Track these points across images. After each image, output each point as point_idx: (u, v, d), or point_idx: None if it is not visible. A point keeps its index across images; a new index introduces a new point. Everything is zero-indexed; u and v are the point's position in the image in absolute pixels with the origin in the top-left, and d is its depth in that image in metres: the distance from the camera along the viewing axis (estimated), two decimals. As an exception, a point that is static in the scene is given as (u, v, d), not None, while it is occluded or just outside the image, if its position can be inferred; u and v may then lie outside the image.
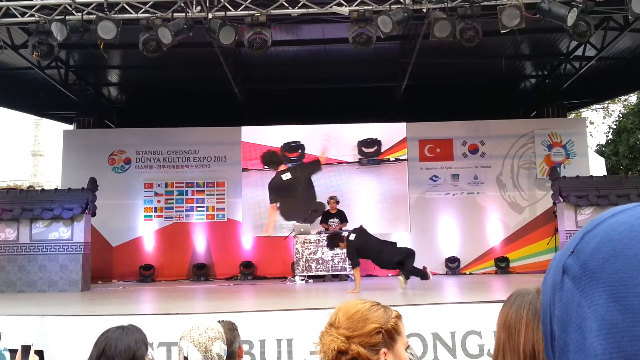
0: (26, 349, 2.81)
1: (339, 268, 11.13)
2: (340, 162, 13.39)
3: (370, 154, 13.34)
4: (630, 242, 0.55)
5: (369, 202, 13.19)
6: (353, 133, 13.48)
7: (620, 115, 22.26)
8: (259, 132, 13.58)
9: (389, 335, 1.74)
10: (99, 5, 8.06)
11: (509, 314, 1.60)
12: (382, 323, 1.74)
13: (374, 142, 13.39)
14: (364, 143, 13.40)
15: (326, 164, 13.40)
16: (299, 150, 13.48)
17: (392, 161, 13.34)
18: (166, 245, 13.10)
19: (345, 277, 11.16)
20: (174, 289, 10.72)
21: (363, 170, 13.34)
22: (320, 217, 12.12)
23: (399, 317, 1.82)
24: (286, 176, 13.27)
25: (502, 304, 1.69)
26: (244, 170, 13.40)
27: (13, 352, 2.88)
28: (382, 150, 13.40)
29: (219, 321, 2.59)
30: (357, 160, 13.37)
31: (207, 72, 12.02)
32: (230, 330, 2.76)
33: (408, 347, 2.19)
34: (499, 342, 1.61)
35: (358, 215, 12.62)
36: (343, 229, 11.63)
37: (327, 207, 12.12)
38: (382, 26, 7.86)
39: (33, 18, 8.15)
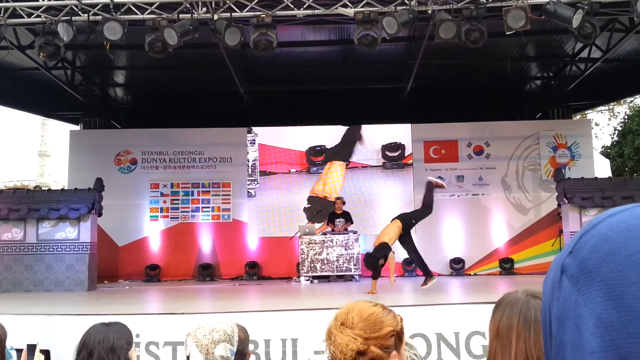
0: (32, 348, 2.83)
1: (344, 268, 11.15)
2: (364, 166, 13.47)
3: (395, 158, 13.40)
4: (627, 242, 0.55)
5: (373, 203, 13.20)
6: (374, 136, 13.53)
7: (626, 117, 22.23)
8: (274, 134, 13.63)
9: (399, 338, 1.79)
10: (105, 6, 8.10)
11: (501, 322, 1.58)
12: (394, 326, 1.79)
13: (398, 146, 13.43)
14: (388, 147, 13.45)
15: (351, 168, 13.52)
16: (324, 154, 13.54)
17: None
18: (172, 245, 13.14)
19: (350, 278, 11.18)
20: (179, 288, 10.76)
21: (371, 173, 13.37)
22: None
23: (402, 320, 1.87)
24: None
25: None
26: (263, 173, 13.48)
27: (19, 351, 2.90)
28: (406, 154, 13.44)
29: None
30: (381, 164, 13.43)
31: (212, 73, 12.05)
32: (245, 332, 2.77)
33: (412, 347, 2.23)
34: (491, 349, 1.61)
35: (364, 216, 12.67)
36: (348, 229, 11.69)
37: (334, 208, 12.17)
38: (388, 27, 7.87)
39: (39, 19, 8.19)
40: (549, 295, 0.62)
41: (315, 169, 13.46)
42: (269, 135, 13.60)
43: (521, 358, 1.51)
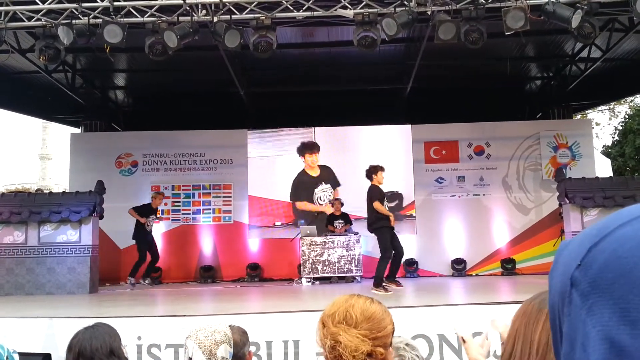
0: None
1: (345, 270, 11.15)
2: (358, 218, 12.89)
3: (392, 209, 12.83)
4: (639, 261, 0.54)
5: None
6: (375, 137, 13.30)
7: (627, 117, 22.24)
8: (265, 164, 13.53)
9: (392, 334, 1.79)
10: (105, 9, 8.12)
11: (531, 305, 1.54)
12: (392, 324, 1.79)
13: (396, 196, 13.02)
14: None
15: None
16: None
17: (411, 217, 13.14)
18: (173, 247, 13.15)
19: (352, 279, 11.19)
20: (181, 291, 10.75)
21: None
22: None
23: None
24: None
25: (508, 305, 1.65)
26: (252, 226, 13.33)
27: (22, 355, 2.90)
28: (405, 204, 13.12)
29: (230, 326, 2.57)
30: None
31: (212, 75, 12.06)
32: (243, 334, 2.77)
33: (414, 348, 2.22)
34: (514, 328, 1.55)
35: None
36: (347, 230, 11.71)
37: (332, 209, 12.16)
38: (387, 29, 7.88)
39: (40, 22, 8.21)
40: (558, 304, 0.61)
41: (302, 221, 13.07)
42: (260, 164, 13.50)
43: (543, 340, 1.46)
